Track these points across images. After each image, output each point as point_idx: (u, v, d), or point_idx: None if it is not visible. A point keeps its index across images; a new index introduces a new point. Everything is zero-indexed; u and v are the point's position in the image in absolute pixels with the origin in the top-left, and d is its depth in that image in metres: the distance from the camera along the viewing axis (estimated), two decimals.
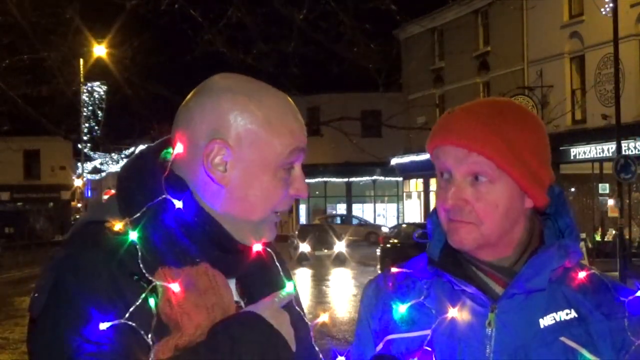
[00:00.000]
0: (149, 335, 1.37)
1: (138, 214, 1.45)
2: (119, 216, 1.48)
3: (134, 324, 1.36)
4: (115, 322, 1.35)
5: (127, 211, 1.48)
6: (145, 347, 1.37)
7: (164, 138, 1.60)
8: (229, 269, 1.52)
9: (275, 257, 1.58)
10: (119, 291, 1.39)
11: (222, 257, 1.51)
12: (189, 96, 1.56)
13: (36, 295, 1.43)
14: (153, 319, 1.39)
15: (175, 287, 1.41)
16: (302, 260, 30.23)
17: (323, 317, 1.55)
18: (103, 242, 1.43)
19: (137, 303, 1.37)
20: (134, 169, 1.56)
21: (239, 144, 1.49)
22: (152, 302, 1.40)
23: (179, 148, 1.49)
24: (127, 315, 1.36)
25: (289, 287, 1.54)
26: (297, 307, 1.55)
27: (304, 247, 30.91)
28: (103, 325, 1.34)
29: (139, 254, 1.41)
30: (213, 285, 1.47)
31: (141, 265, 1.40)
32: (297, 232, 32.68)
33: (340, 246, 31.06)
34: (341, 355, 1.51)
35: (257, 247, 1.53)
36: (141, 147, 1.63)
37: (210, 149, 1.48)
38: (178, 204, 1.45)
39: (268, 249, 1.56)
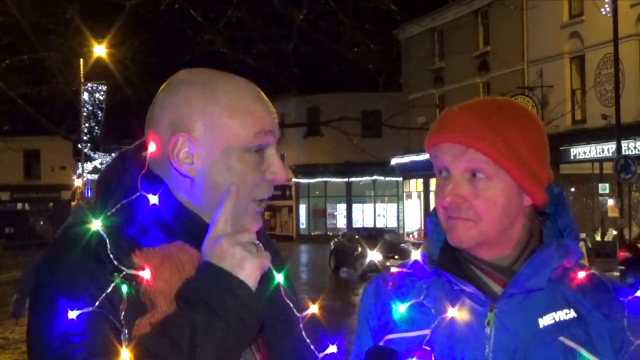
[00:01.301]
0: (121, 320, 1.38)
1: (112, 210, 1.46)
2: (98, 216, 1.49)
3: (104, 311, 1.37)
4: (84, 310, 1.36)
5: (102, 209, 1.49)
6: (117, 333, 1.38)
7: (143, 139, 1.59)
8: None
9: (262, 247, 1.57)
10: (91, 278, 1.40)
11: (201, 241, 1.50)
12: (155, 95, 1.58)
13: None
14: (123, 304, 1.39)
15: (145, 274, 1.41)
16: (372, 272, 22.90)
17: (312, 309, 1.54)
18: (80, 241, 1.44)
19: (107, 292, 1.38)
20: (112, 170, 1.57)
21: (200, 133, 1.49)
22: (124, 288, 1.40)
23: (151, 147, 1.50)
24: (97, 303, 1.37)
25: (278, 278, 1.52)
26: (286, 299, 1.54)
27: (374, 256, 24.24)
28: (72, 314, 1.35)
29: (107, 242, 1.41)
30: (194, 258, 1.47)
31: (110, 255, 1.40)
32: (355, 237, 26.40)
33: (416, 254, 26.45)
34: (332, 344, 1.51)
35: None
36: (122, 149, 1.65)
37: (174, 143, 1.49)
38: (153, 199, 1.46)
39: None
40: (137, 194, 1.47)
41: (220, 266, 1.40)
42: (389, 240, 25.84)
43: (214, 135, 1.50)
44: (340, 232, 32.73)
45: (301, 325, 1.53)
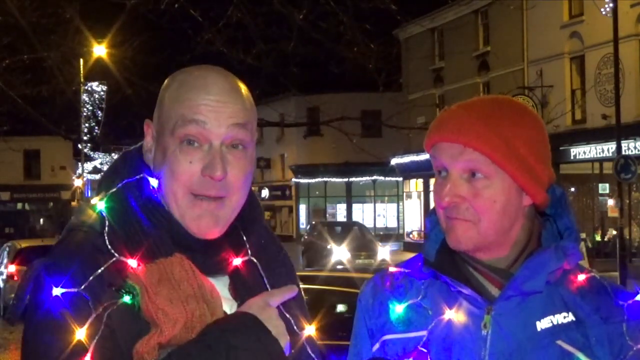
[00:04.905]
0: (99, 309, 1.37)
1: (113, 190, 1.48)
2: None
3: (86, 295, 1.37)
4: (70, 290, 1.36)
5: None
6: (90, 319, 1.37)
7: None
8: (202, 267, 1.49)
9: (260, 267, 1.56)
10: (83, 268, 1.40)
11: (192, 256, 1.48)
12: None
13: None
14: (113, 306, 1.39)
15: (132, 262, 1.40)
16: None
17: (309, 330, 1.54)
18: (81, 245, 1.44)
19: (97, 273, 1.38)
20: (113, 167, 1.59)
21: (156, 123, 1.54)
22: (126, 297, 1.40)
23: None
24: (83, 286, 1.37)
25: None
26: (287, 315, 1.52)
27: (341, 254, 22.69)
28: (56, 290, 1.36)
29: (106, 228, 1.43)
30: (189, 275, 1.44)
31: (106, 239, 1.42)
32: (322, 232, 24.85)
33: (384, 251, 24.12)
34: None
35: (236, 262, 1.52)
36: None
37: (145, 132, 1.55)
38: (153, 181, 1.48)
39: (253, 259, 1.54)
40: (140, 175, 1.50)
41: (266, 327, 1.42)
42: (357, 236, 24.42)
43: (160, 120, 1.53)
44: (310, 226, 31.30)
45: (304, 339, 1.53)
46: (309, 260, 25.28)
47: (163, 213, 1.48)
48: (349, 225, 28.75)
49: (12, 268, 17.21)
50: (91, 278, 1.38)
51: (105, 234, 1.42)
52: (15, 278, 17.16)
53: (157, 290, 1.40)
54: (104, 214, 1.44)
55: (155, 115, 1.55)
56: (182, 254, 1.46)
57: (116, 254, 1.41)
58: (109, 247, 1.41)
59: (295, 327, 1.53)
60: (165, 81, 1.57)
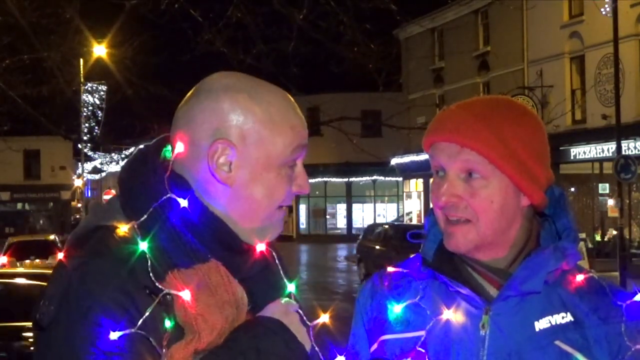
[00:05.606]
0: (163, 343, 1.37)
1: (144, 217, 1.44)
2: (125, 219, 1.47)
3: (144, 333, 1.35)
4: (126, 331, 1.34)
5: (132, 213, 1.47)
6: (157, 356, 1.37)
7: (162, 136, 1.58)
8: (235, 269, 1.51)
9: (276, 257, 1.58)
10: (130, 300, 1.38)
11: (229, 257, 1.49)
12: (187, 96, 1.55)
13: (46, 303, 1.41)
14: (164, 327, 1.38)
15: (185, 294, 1.39)
16: None
17: (323, 318, 1.53)
18: (112, 250, 1.41)
19: (146, 314, 1.36)
20: (135, 169, 1.54)
21: (242, 143, 1.48)
22: (167, 321, 1.39)
23: (179, 147, 1.48)
24: (138, 324, 1.35)
25: (290, 288, 1.53)
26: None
27: None
28: (114, 335, 1.34)
29: (149, 263, 1.39)
30: (225, 281, 1.46)
31: (151, 275, 1.39)
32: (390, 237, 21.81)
33: None
34: (340, 354, 1.50)
35: (260, 247, 1.52)
36: (140, 146, 1.63)
37: (215, 149, 1.47)
38: (183, 202, 1.44)
39: (270, 249, 1.56)
40: (167, 196, 1.45)
41: (295, 335, 1.46)
42: None
43: (257, 147, 1.49)
44: (365, 228, 28.35)
45: (311, 334, 1.54)
46: (369, 270, 22.65)
47: (217, 223, 1.49)
48: (420, 229, 26.48)
49: (4, 259, 19.41)
50: (144, 317, 1.37)
51: (150, 270, 1.39)
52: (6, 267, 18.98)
53: (197, 297, 1.41)
54: (147, 253, 1.41)
55: (225, 132, 1.48)
56: (221, 254, 1.48)
57: (165, 289, 1.39)
58: (156, 283, 1.39)
59: (305, 319, 1.55)
60: (239, 97, 1.50)
